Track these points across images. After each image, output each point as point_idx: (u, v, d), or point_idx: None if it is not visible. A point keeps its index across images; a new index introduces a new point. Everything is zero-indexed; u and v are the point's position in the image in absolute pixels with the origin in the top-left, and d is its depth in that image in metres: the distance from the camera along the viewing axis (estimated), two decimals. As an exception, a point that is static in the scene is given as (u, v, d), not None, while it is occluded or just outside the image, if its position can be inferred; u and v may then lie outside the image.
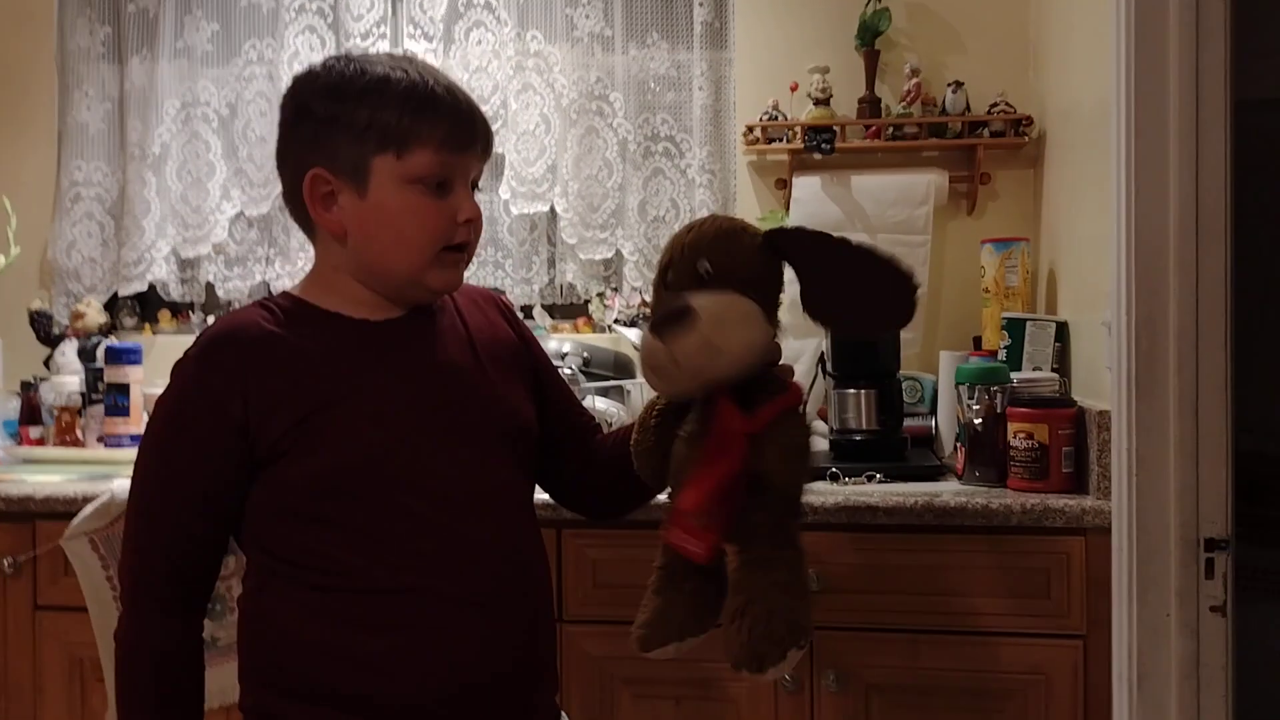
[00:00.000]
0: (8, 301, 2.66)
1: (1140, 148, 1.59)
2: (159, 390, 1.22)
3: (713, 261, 1.16)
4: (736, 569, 1.17)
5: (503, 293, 2.18)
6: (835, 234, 1.18)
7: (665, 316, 1.12)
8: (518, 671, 1.20)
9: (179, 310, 2.80)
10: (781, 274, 1.21)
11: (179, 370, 1.18)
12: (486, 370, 1.26)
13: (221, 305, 2.77)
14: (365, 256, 1.19)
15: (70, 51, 2.77)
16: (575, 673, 1.86)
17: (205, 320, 2.77)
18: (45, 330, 2.61)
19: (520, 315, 1.43)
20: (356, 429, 1.15)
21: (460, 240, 1.19)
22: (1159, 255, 1.57)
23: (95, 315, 2.59)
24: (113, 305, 2.75)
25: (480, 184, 1.24)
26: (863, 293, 1.18)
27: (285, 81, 2.57)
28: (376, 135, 1.14)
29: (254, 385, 1.14)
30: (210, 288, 2.76)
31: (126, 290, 2.71)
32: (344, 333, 1.19)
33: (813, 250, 1.19)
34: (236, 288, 2.73)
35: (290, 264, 2.70)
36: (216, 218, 2.70)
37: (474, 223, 1.20)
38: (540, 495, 1.36)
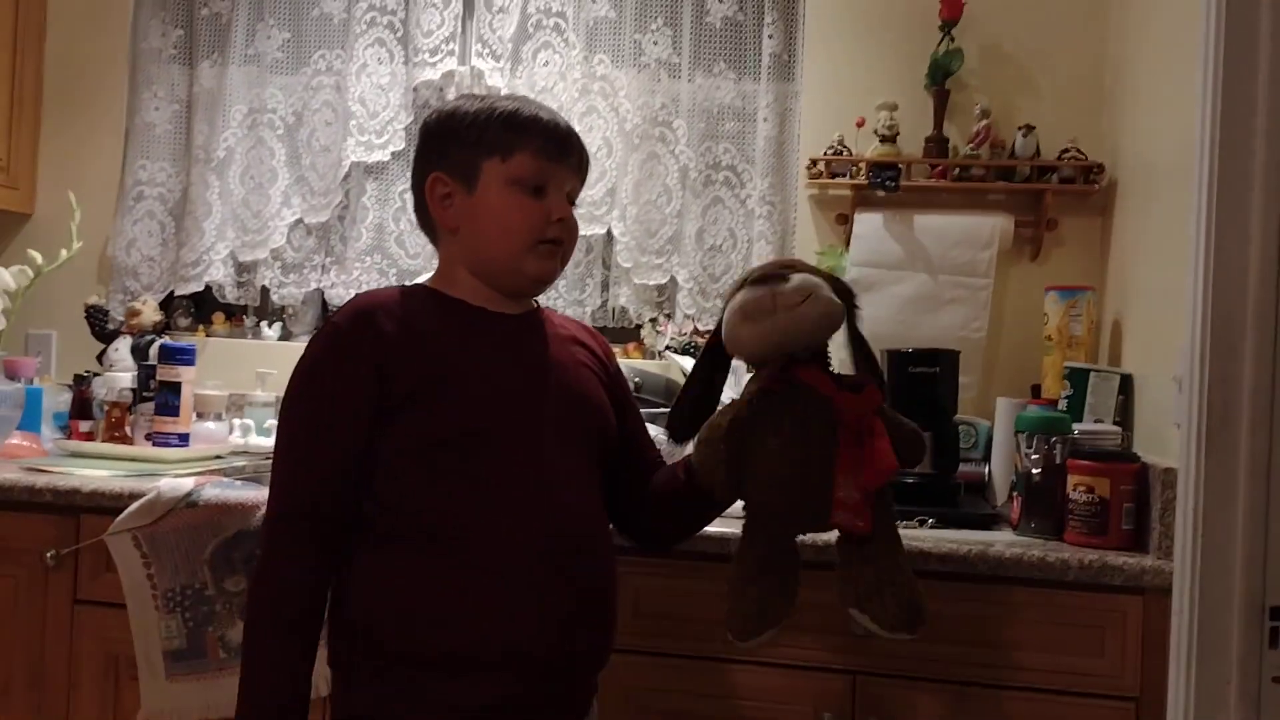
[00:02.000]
0: (66, 295, 2.69)
1: (1222, 199, 1.54)
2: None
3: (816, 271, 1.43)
4: (863, 545, 1.38)
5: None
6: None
7: (768, 273, 1.36)
8: (595, 623, 1.38)
9: (233, 313, 2.82)
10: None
11: (328, 333, 1.37)
12: (584, 376, 1.45)
13: (275, 310, 2.79)
14: (474, 247, 1.40)
15: (142, 52, 2.81)
16: (614, 703, 1.82)
17: (259, 325, 2.79)
18: (100, 325, 2.63)
19: (608, 345, 1.62)
20: (472, 393, 1.33)
21: (553, 235, 1.39)
22: (1237, 311, 1.53)
23: (151, 313, 2.61)
24: (168, 304, 2.77)
25: (576, 199, 1.46)
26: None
27: (352, 93, 2.64)
28: (486, 144, 1.38)
29: (392, 342, 1.33)
30: (265, 292, 2.77)
31: (183, 290, 2.73)
32: (466, 316, 1.40)
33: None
34: (291, 294, 2.74)
35: (346, 273, 2.70)
36: (276, 224, 2.71)
37: (566, 222, 1.41)
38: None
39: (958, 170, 2.38)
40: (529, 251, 1.38)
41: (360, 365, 1.31)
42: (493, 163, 1.37)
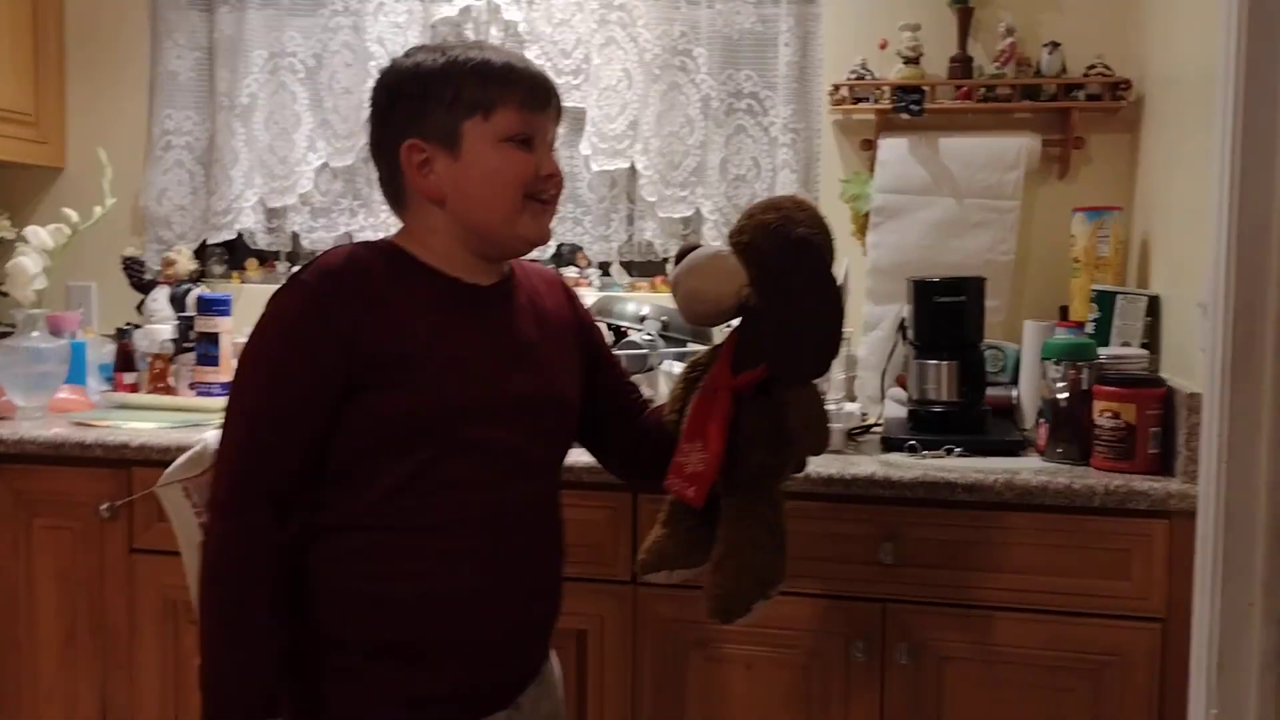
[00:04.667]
0: (103, 247, 2.73)
1: (1248, 118, 1.52)
2: (246, 340, 1.26)
3: (744, 220, 1.30)
4: (722, 519, 1.32)
5: (584, 261, 2.17)
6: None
7: (685, 249, 1.35)
8: (544, 604, 1.37)
9: (266, 259, 2.86)
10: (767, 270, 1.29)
11: (291, 291, 1.25)
12: (550, 349, 1.38)
13: (306, 255, 2.82)
14: (463, 213, 1.29)
15: (161, 1, 2.80)
16: (647, 635, 1.89)
17: (291, 270, 2.82)
18: (138, 276, 2.67)
19: (581, 299, 1.53)
20: (443, 373, 1.25)
21: (544, 191, 1.31)
22: (1262, 235, 1.51)
23: (185, 262, 2.65)
24: (202, 253, 2.81)
25: (557, 144, 1.36)
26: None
27: (370, 33, 2.64)
28: (464, 103, 1.26)
29: (359, 317, 1.23)
30: (296, 237, 2.80)
31: (215, 238, 2.77)
32: (442, 288, 1.30)
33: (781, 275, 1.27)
34: (321, 238, 2.77)
35: (374, 216, 2.73)
36: (302, 168, 2.73)
37: (555, 177, 1.33)
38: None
39: (983, 91, 2.34)
40: (521, 211, 1.29)
41: (329, 334, 1.22)
42: (475, 122, 1.26)
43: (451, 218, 1.29)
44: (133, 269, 2.68)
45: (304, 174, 2.73)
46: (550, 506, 1.39)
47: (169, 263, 2.65)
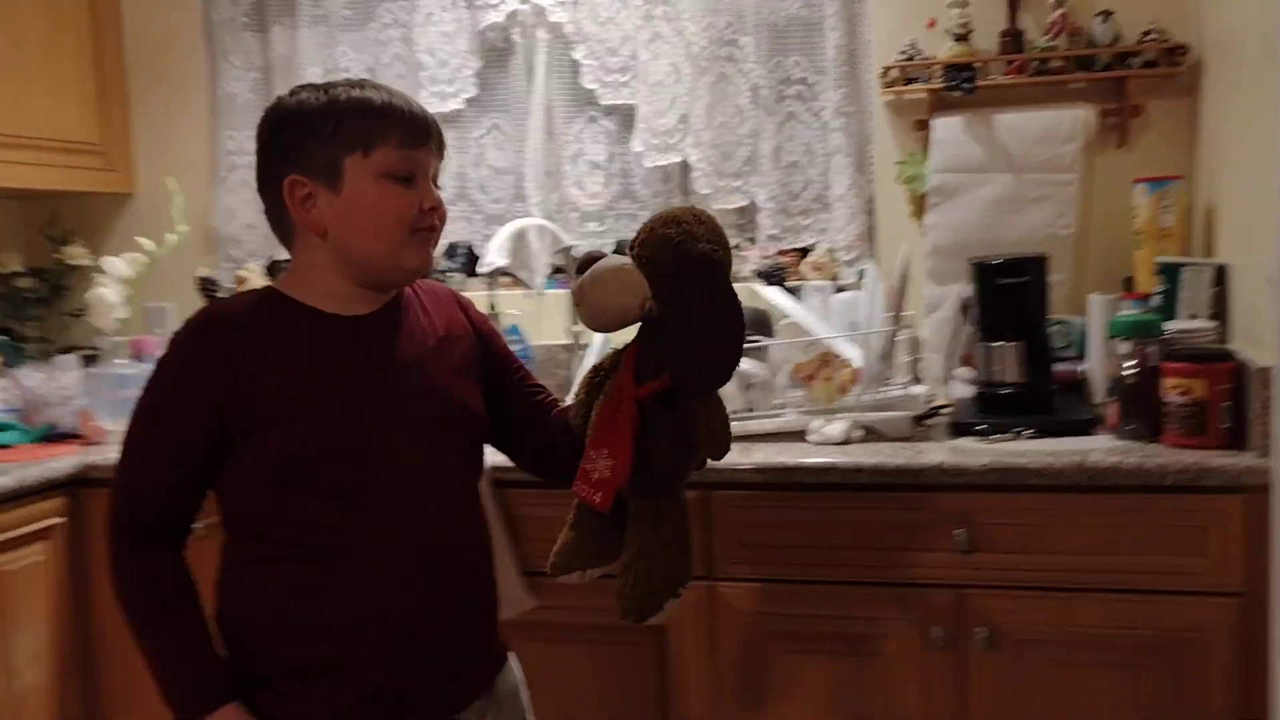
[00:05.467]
0: (177, 268, 2.81)
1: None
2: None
3: (645, 234, 1.29)
4: (630, 522, 1.35)
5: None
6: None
7: (587, 260, 1.34)
8: (464, 617, 1.38)
9: (331, 271, 2.92)
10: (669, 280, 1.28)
11: (172, 344, 1.33)
12: (442, 364, 1.40)
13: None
14: (346, 246, 1.32)
15: (216, 23, 2.87)
16: (726, 629, 1.93)
17: (357, 280, 2.89)
18: (213, 295, 2.76)
19: (478, 309, 1.55)
20: (321, 412, 1.30)
21: (427, 224, 1.34)
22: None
23: (258, 279, 2.73)
24: (273, 268, 2.88)
25: (439, 181, 1.38)
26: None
27: (420, 44, 2.68)
28: (345, 138, 1.30)
29: (234, 366, 1.29)
30: (359, 248, 2.86)
31: (284, 254, 2.83)
32: (317, 325, 1.33)
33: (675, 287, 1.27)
34: (384, 248, 2.82)
35: (433, 223, 2.77)
36: (362, 181, 2.78)
37: (437, 210, 1.35)
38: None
39: (1035, 64, 2.32)
40: (404, 245, 1.32)
41: (204, 393, 1.29)
42: (355, 158, 1.29)
43: (334, 250, 1.32)
44: (208, 288, 2.76)
45: (364, 186, 2.78)
46: (467, 512, 1.42)
47: (241, 280, 2.73)
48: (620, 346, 1.39)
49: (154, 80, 2.93)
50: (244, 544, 1.34)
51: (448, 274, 2.80)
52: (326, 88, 1.33)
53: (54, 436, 2.42)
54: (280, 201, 1.32)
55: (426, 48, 2.69)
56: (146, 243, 2.60)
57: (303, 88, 1.35)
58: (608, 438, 1.33)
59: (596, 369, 1.41)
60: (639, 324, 1.33)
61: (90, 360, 2.62)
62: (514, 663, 1.51)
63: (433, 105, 2.68)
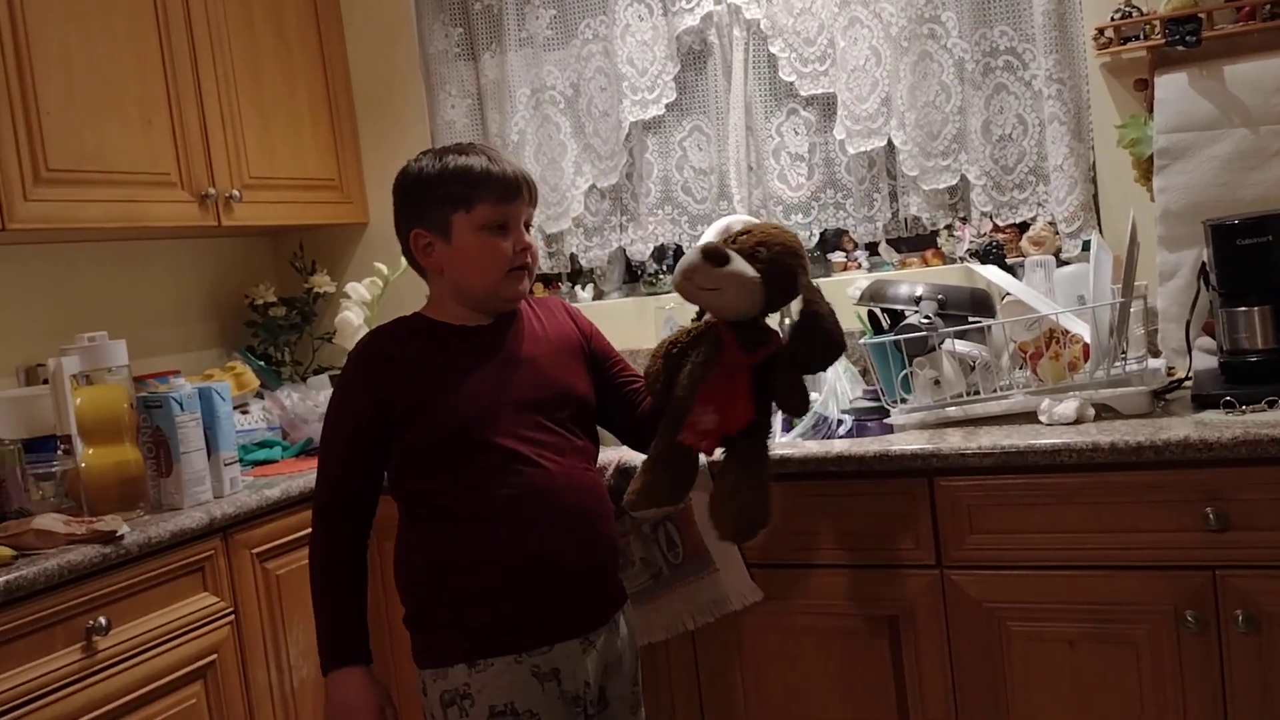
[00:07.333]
0: (409, 290, 2.95)
1: None
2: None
3: (769, 254, 1.67)
4: (729, 462, 1.71)
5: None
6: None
7: (716, 250, 1.63)
8: (587, 560, 1.68)
9: (550, 281, 3.05)
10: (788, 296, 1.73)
11: (347, 361, 1.75)
12: (550, 358, 1.74)
13: (585, 273, 2.99)
14: (456, 282, 1.71)
15: (431, 55, 3.05)
16: (961, 618, 1.89)
17: (573, 289, 3.00)
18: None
19: (584, 315, 1.89)
20: (454, 404, 1.65)
21: (519, 264, 1.69)
22: None
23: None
24: (494, 283, 3.03)
25: (532, 224, 1.74)
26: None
27: (620, 55, 2.76)
28: (451, 199, 1.66)
29: (390, 373, 1.68)
30: (574, 258, 2.97)
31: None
32: (449, 336, 1.71)
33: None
34: (596, 255, 2.93)
35: (641, 229, 2.85)
36: (573, 193, 2.90)
37: (529, 250, 1.70)
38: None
39: (1268, 8, 2.16)
40: (502, 282, 1.68)
41: (365, 396, 1.68)
42: (459, 215, 1.66)
43: (451, 285, 1.71)
44: (436, 307, 2.92)
45: (574, 198, 2.90)
46: (582, 475, 1.70)
47: (466, 297, 2.88)
48: (688, 326, 1.76)
49: (378, 114, 3.13)
50: (410, 509, 1.70)
51: (659, 275, 2.87)
52: (440, 153, 1.70)
53: (312, 450, 2.63)
54: (410, 248, 1.72)
55: (626, 58, 2.76)
56: (382, 267, 2.79)
57: (424, 154, 1.72)
58: (717, 398, 1.67)
59: (672, 343, 1.75)
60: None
61: (338, 379, 2.82)
62: (630, 609, 1.81)
63: (635, 114, 2.76)
